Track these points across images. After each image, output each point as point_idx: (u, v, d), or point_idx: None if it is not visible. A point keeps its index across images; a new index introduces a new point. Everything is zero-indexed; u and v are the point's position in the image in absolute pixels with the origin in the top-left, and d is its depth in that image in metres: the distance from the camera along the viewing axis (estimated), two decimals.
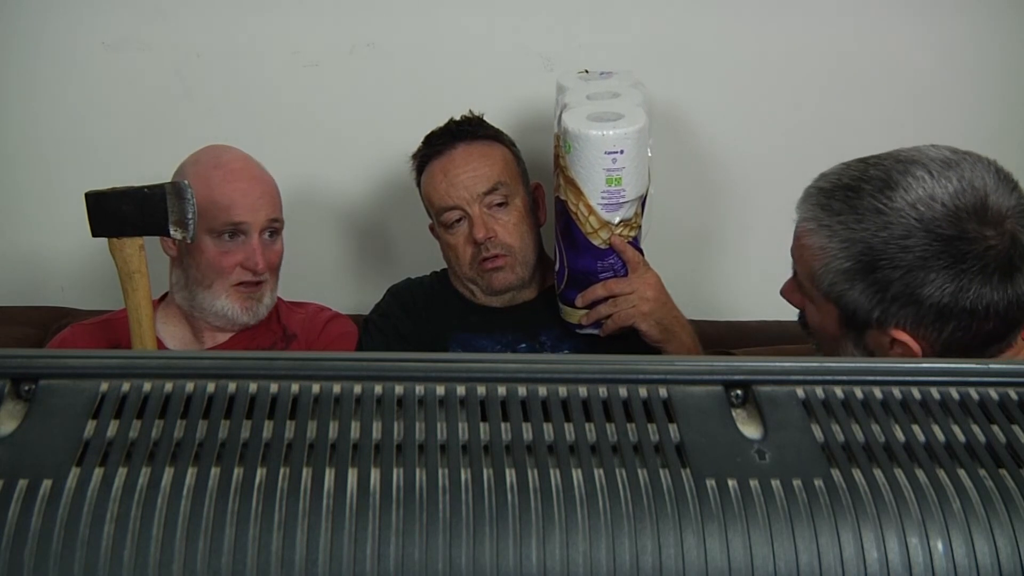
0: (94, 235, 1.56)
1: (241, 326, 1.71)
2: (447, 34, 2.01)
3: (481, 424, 0.54)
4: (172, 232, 1.55)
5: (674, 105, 2.00)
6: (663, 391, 0.57)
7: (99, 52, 1.99)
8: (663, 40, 2.02)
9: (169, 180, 1.64)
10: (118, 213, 1.55)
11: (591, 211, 1.60)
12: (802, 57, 2.03)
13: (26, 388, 0.54)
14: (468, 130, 1.75)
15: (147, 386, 0.55)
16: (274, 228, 1.69)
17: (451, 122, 1.77)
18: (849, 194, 1.10)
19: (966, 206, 1.06)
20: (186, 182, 1.56)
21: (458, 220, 1.72)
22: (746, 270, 2.12)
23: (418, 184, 1.80)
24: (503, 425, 0.54)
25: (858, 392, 0.58)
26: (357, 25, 2.00)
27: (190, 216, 1.55)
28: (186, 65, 2.00)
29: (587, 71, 1.72)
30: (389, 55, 2.01)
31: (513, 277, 1.74)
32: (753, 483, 0.52)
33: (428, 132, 1.78)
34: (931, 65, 2.04)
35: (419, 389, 0.56)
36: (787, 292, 1.26)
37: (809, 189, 1.16)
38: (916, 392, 0.59)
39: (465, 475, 0.51)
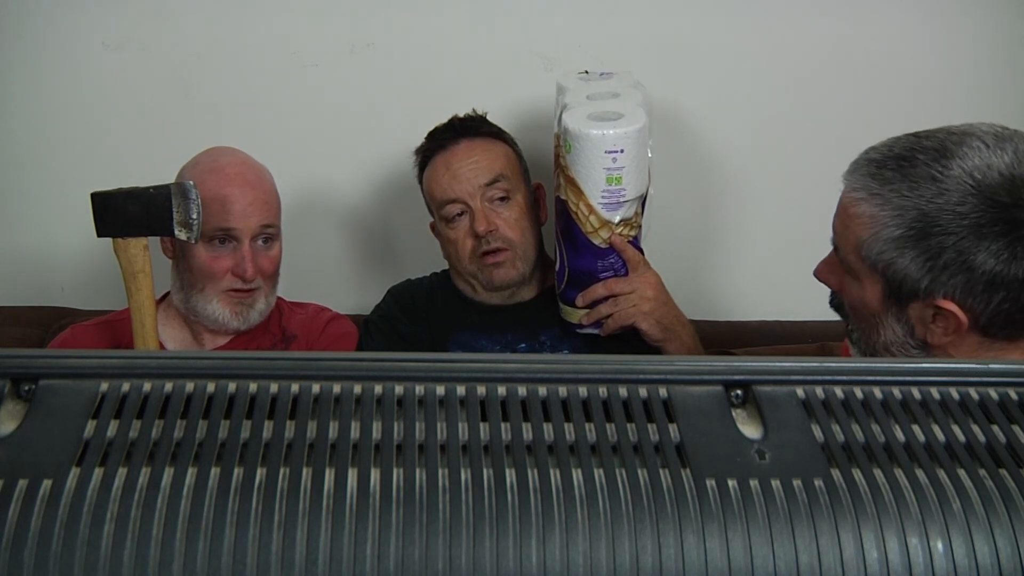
0: (99, 235, 1.56)
1: (233, 331, 1.70)
2: (447, 34, 2.01)
3: (481, 424, 0.54)
4: (177, 233, 1.56)
5: (674, 105, 2.01)
6: (663, 391, 0.57)
7: (99, 52, 1.99)
8: (663, 40, 2.02)
9: (172, 181, 1.64)
10: (123, 213, 1.55)
11: (591, 210, 1.60)
12: (802, 57, 2.03)
13: (26, 388, 0.54)
14: (471, 126, 1.76)
15: (147, 386, 0.55)
16: (268, 235, 1.68)
17: (454, 118, 1.78)
18: (903, 163, 1.10)
19: (1022, 176, 1.06)
20: (191, 183, 1.56)
21: (460, 214, 1.72)
22: (746, 270, 2.12)
23: (420, 180, 1.80)
24: (503, 425, 0.54)
25: (858, 392, 0.58)
26: (357, 25, 2.00)
27: (195, 217, 1.55)
28: (186, 65, 2.00)
29: (587, 71, 1.73)
30: (389, 55, 2.01)
31: (514, 272, 1.74)
32: (753, 483, 0.52)
33: (431, 129, 1.78)
34: (931, 63, 2.04)
35: (419, 389, 0.56)
36: (823, 272, 1.25)
37: (858, 160, 1.15)
38: (916, 392, 0.59)
39: (465, 475, 0.51)
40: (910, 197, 1.09)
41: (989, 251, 1.06)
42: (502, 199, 1.72)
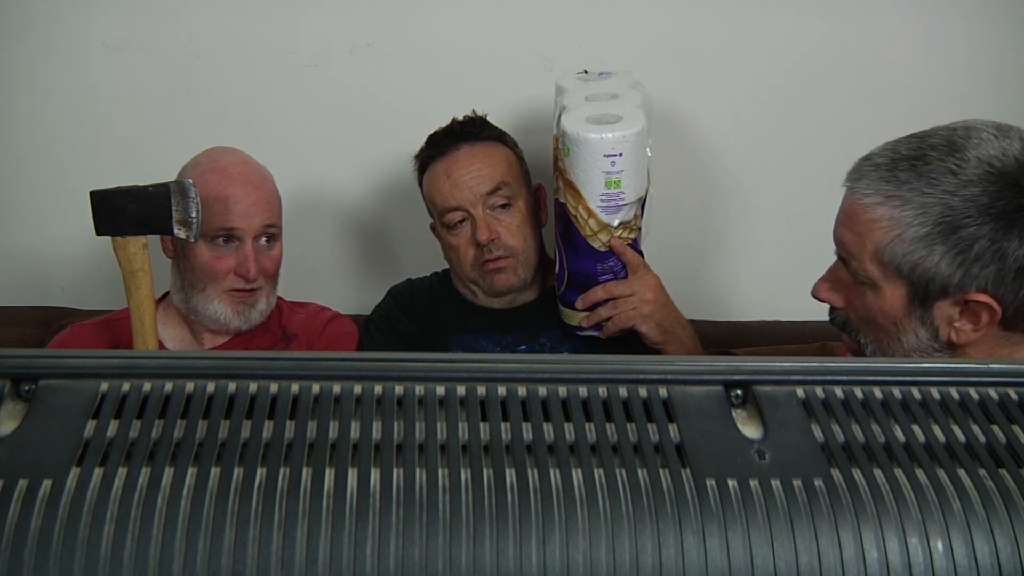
0: (98, 234, 1.56)
1: (234, 331, 1.70)
2: (447, 34, 2.01)
3: (481, 424, 0.54)
4: (176, 231, 1.56)
5: (674, 105, 2.00)
6: (663, 391, 0.57)
7: (99, 52, 1.99)
8: (663, 40, 2.02)
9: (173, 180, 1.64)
10: (122, 212, 1.55)
11: (590, 214, 1.60)
12: (802, 57, 2.03)
13: (26, 388, 0.54)
14: (471, 131, 1.75)
15: (147, 386, 0.55)
16: (270, 234, 1.68)
17: (454, 122, 1.77)
18: (915, 162, 1.10)
19: None
20: (190, 181, 1.56)
21: (461, 221, 1.72)
22: (746, 270, 2.12)
23: (420, 184, 1.80)
24: (503, 425, 0.54)
25: (858, 392, 0.58)
26: (357, 25, 2.00)
27: (194, 215, 1.55)
28: (186, 65, 2.00)
29: (586, 71, 1.72)
30: (389, 55, 2.01)
31: (515, 279, 1.73)
32: (753, 483, 0.52)
33: (430, 132, 1.78)
34: (928, 64, 2.04)
35: (419, 389, 0.56)
36: (823, 291, 1.23)
37: (862, 168, 1.14)
38: (916, 392, 0.59)
39: (465, 475, 0.51)
40: (932, 193, 1.08)
41: (1021, 238, 1.06)
42: (504, 206, 1.71)
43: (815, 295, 1.25)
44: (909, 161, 1.10)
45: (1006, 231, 1.06)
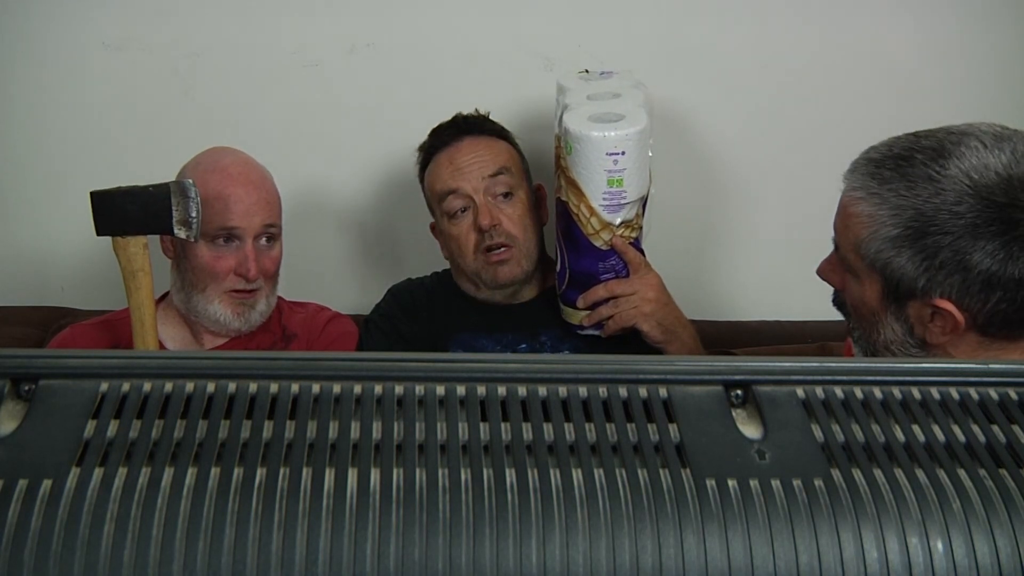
0: (99, 234, 1.56)
1: (234, 332, 1.70)
2: (447, 34, 2.01)
3: (481, 424, 0.54)
4: (176, 231, 1.56)
5: (675, 105, 2.01)
6: (663, 391, 0.57)
7: (99, 52, 1.99)
8: (663, 40, 2.02)
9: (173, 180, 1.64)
10: (122, 212, 1.55)
11: (592, 212, 1.60)
12: (803, 57, 2.03)
13: (26, 388, 0.54)
14: (475, 124, 1.77)
15: (147, 386, 0.55)
16: (270, 234, 1.68)
17: (458, 116, 1.79)
18: (901, 163, 1.11)
19: (1019, 176, 1.06)
20: (190, 181, 1.56)
21: (463, 210, 1.72)
22: (747, 270, 2.12)
23: (421, 179, 1.80)
24: (503, 425, 0.54)
25: (858, 392, 0.58)
26: (357, 25, 2.00)
27: (194, 215, 1.55)
28: (186, 65, 2.00)
29: (587, 71, 1.72)
30: (389, 55, 2.01)
31: (518, 270, 1.73)
32: (753, 483, 0.52)
33: (434, 126, 1.79)
34: (929, 64, 2.04)
35: (419, 389, 0.56)
36: (825, 271, 1.26)
37: (858, 160, 1.16)
38: (916, 392, 0.58)
39: (465, 475, 0.51)
40: (907, 197, 1.09)
41: (985, 251, 1.06)
42: (505, 195, 1.72)
43: (818, 273, 1.27)
44: (896, 160, 1.12)
45: (971, 244, 1.07)
